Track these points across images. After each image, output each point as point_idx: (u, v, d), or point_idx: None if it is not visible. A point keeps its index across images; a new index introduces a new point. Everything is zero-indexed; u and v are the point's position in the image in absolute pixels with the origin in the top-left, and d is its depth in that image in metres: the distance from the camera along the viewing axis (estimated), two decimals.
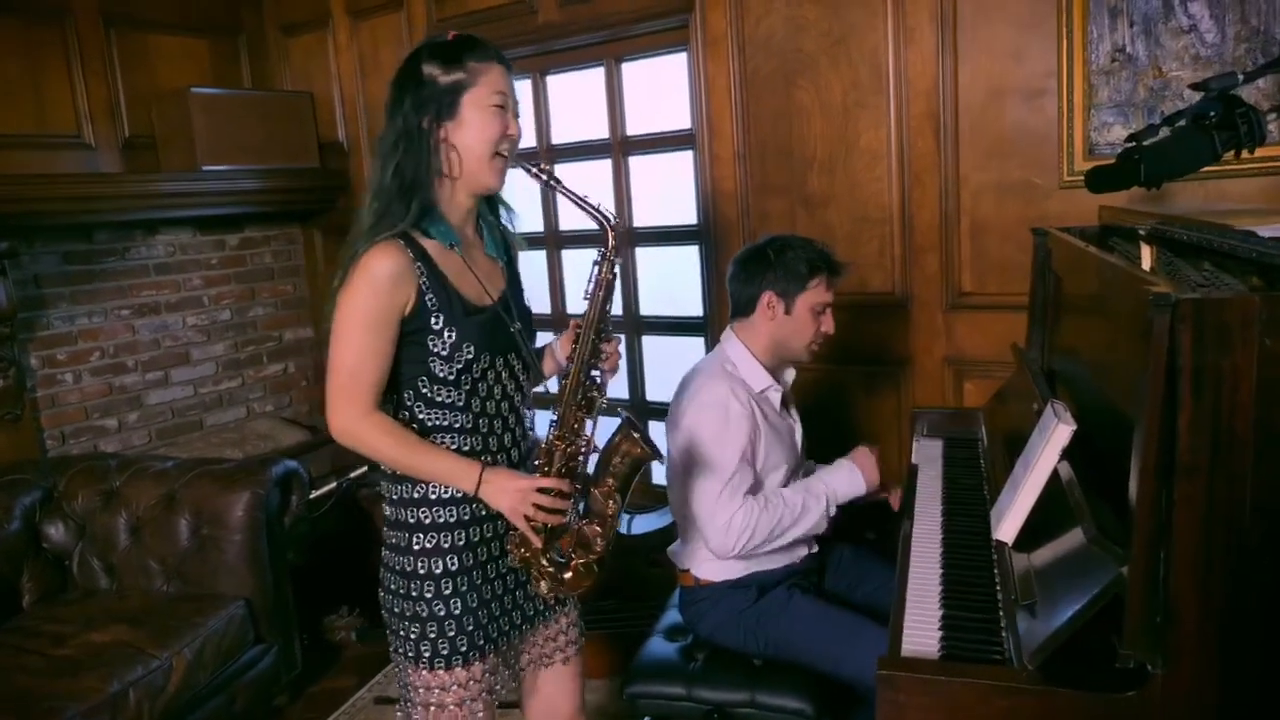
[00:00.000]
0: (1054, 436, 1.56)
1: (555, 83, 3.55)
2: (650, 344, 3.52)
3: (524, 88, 3.59)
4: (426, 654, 1.59)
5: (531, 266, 3.75)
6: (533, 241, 3.72)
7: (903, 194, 2.83)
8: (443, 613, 1.58)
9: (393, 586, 1.62)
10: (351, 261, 1.50)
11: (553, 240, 3.66)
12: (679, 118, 3.23)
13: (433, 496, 1.58)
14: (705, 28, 3.03)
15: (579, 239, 3.62)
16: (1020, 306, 2.52)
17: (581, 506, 1.64)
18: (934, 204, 2.79)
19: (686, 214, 3.30)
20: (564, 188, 1.60)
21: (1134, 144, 1.85)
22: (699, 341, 3.34)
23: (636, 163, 3.42)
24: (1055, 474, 1.57)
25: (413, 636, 1.59)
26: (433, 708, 1.59)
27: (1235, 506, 1.12)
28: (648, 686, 1.98)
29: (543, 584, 1.63)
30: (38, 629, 2.40)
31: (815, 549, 2.16)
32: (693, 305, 3.34)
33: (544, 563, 1.61)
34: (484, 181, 1.56)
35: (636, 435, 1.60)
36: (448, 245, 1.55)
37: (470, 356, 1.54)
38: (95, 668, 2.20)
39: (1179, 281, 1.34)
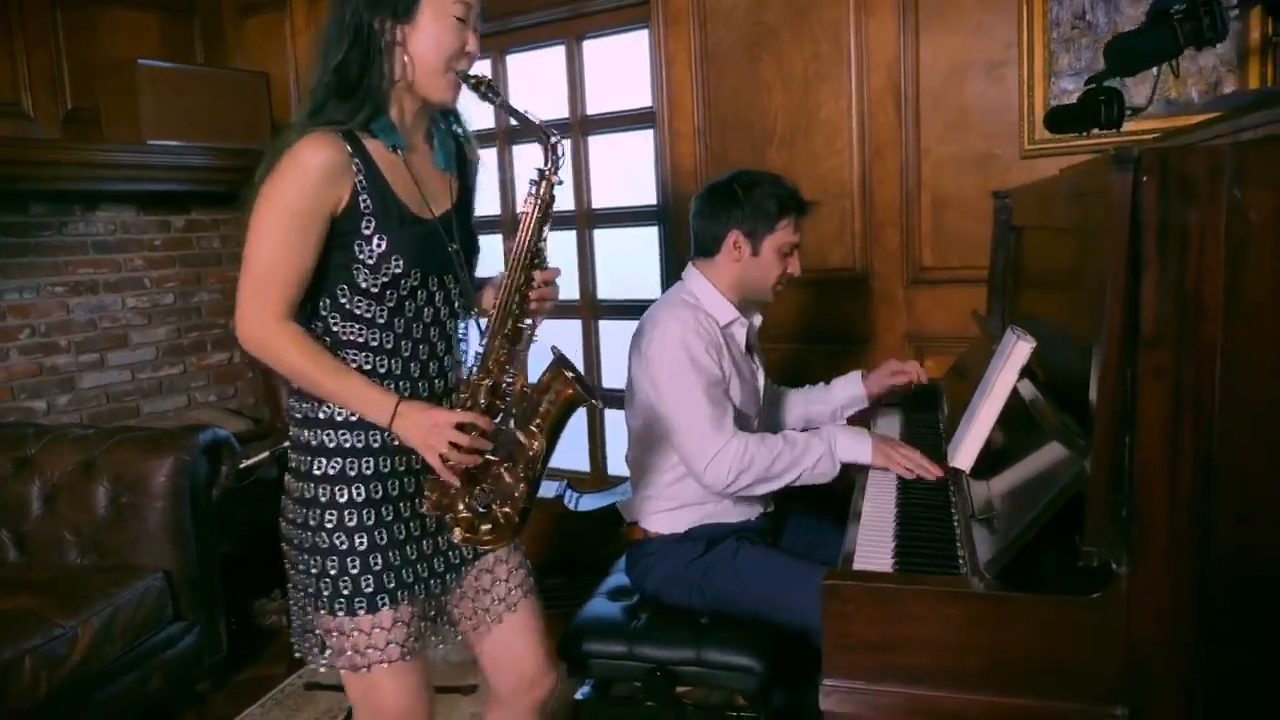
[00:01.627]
0: (1013, 354, 1.48)
1: (515, 62, 3.49)
2: (607, 329, 3.42)
3: (482, 69, 3.52)
4: (326, 593, 1.44)
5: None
6: (487, 225, 3.63)
7: (863, 168, 2.78)
8: (345, 547, 1.43)
9: (291, 515, 1.48)
10: (281, 151, 1.37)
11: (508, 224, 3.57)
12: (639, 98, 3.18)
13: (339, 418, 1.45)
14: (666, 2, 2.99)
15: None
16: (981, 281, 2.46)
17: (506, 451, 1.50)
18: (895, 178, 2.74)
19: (647, 196, 3.23)
20: (503, 100, 1.50)
21: (1094, 85, 1.81)
22: None
23: (596, 143, 3.36)
24: (1017, 396, 1.49)
25: (313, 572, 1.45)
26: (347, 653, 1.45)
27: (1204, 382, 1.04)
28: (587, 645, 1.85)
29: (456, 531, 1.48)
30: None
31: (771, 508, 2.05)
32: (651, 289, 3.25)
33: (460, 508, 1.47)
34: (435, 96, 1.44)
35: (570, 375, 1.47)
36: (390, 147, 1.42)
37: (399, 270, 1.41)
38: None
39: None
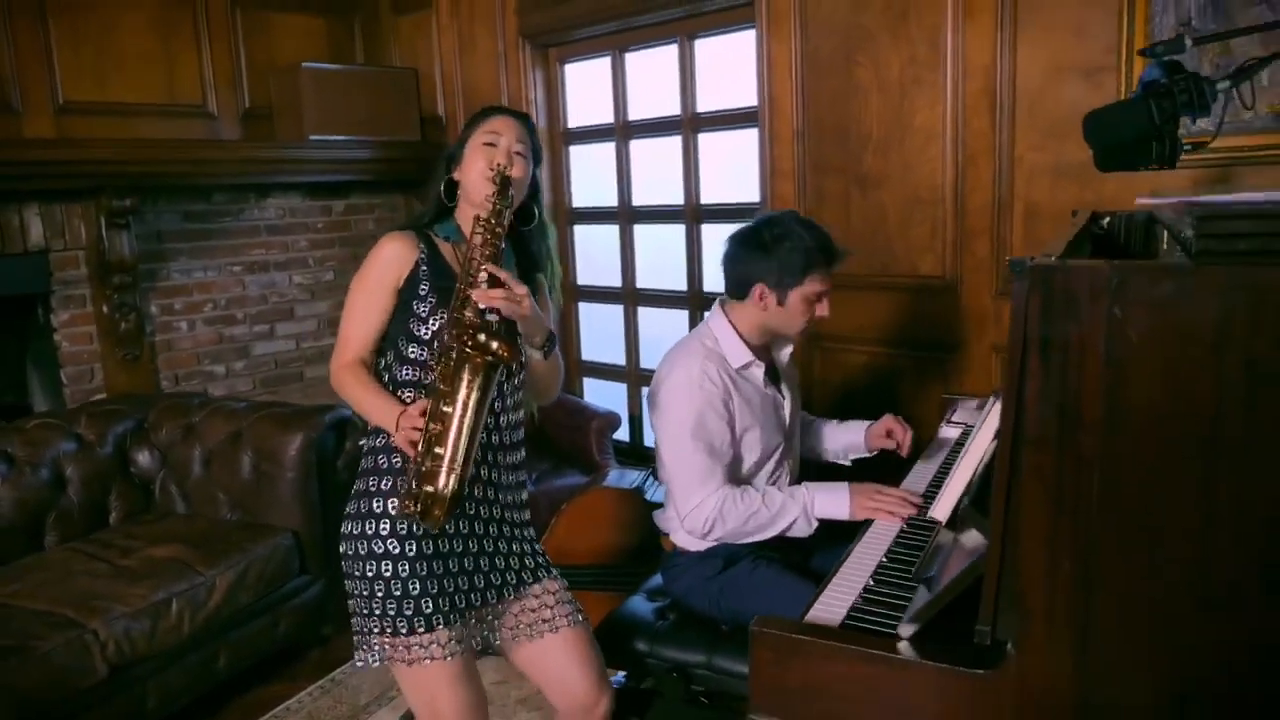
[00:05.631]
0: (991, 414, 1.51)
1: (633, 60, 3.61)
2: None
3: (603, 65, 3.67)
4: (379, 613, 1.65)
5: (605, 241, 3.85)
6: (605, 216, 3.81)
7: (956, 175, 2.73)
8: (405, 573, 1.64)
9: (344, 547, 1.73)
10: None
11: (625, 215, 3.73)
12: (748, 95, 3.23)
13: (383, 465, 1.70)
14: (770, 4, 3.01)
15: (652, 214, 3.68)
16: None
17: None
18: (988, 186, 2.68)
19: (752, 193, 3.29)
20: (501, 178, 1.65)
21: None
22: None
23: (706, 140, 3.44)
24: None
25: (364, 594, 1.67)
26: (400, 649, 1.66)
27: (1082, 488, 1.07)
28: (620, 638, 2.03)
29: (410, 506, 1.56)
30: (113, 541, 2.70)
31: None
32: None
33: (413, 485, 1.56)
34: (478, 198, 1.68)
35: (477, 348, 1.52)
36: (444, 238, 1.76)
37: (443, 321, 1.64)
38: (148, 578, 2.46)
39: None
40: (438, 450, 1.53)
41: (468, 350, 1.52)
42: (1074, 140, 2.51)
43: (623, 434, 3.73)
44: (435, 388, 1.56)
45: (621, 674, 2.11)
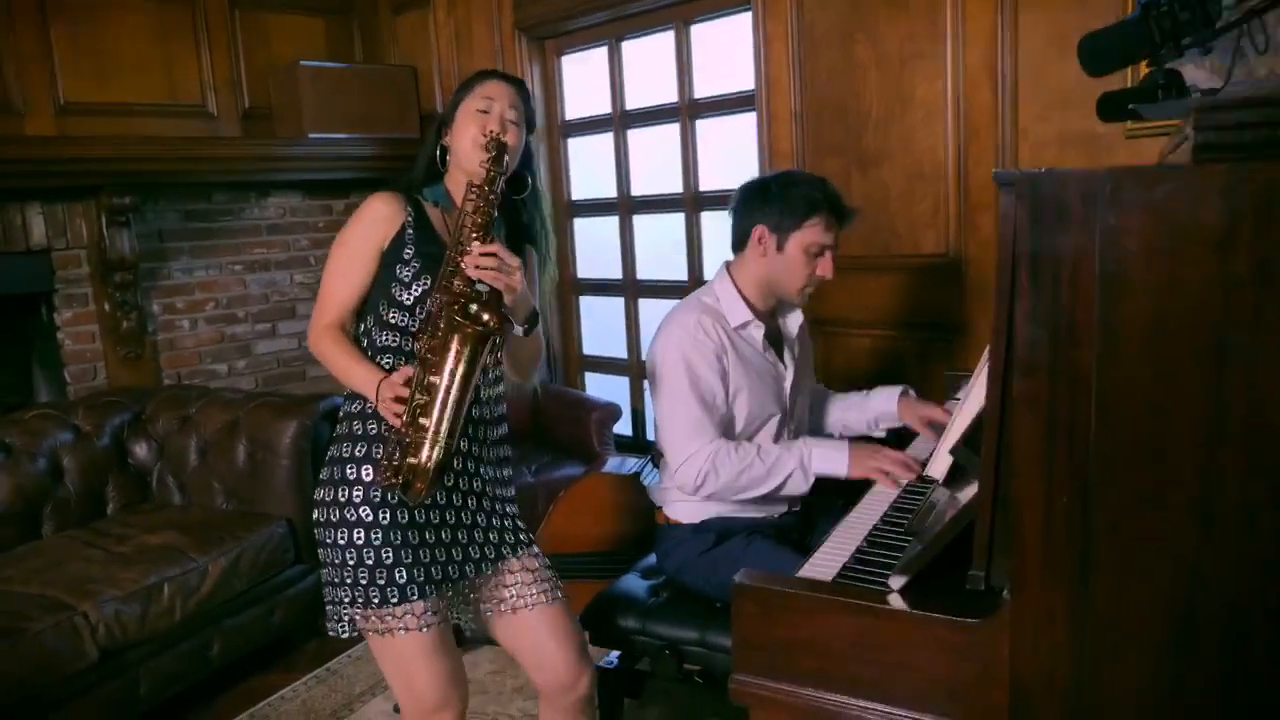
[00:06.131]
0: (984, 366, 1.45)
1: (629, 49, 3.59)
2: None
3: (600, 56, 3.65)
4: (350, 584, 1.61)
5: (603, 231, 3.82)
6: (604, 207, 3.78)
7: (959, 149, 2.68)
8: (377, 541, 1.59)
9: (317, 514, 1.67)
10: None
11: (625, 206, 3.70)
12: (745, 80, 3.19)
13: (358, 431, 1.64)
14: None
15: (651, 204, 3.64)
16: None
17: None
18: (991, 159, 2.62)
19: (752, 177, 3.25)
20: (495, 158, 1.58)
21: (1154, 67, 1.68)
22: None
23: (704, 126, 3.41)
24: None
25: (335, 563, 1.63)
26: (372, 619, 1.62)
27: (1079, 412, 1.01)
28: (609, 618, 1.97)
29: (391, 478, 1.53)
30: (109, 530, 2.68)
31: (798, 506, 2.07)
32: None
33: (394, 456, 1.52)
34: (470, 167, 1.64)
35: (465, 317, 1.48)
36: (434, 204, 1.71)
37: (426, 287, 1.61)
38: (140, 563, 2.43)
39: None
40: (422, 421, 1.48)
41: (457, 320, 1.48)
42: (1080, 109, 2.48)
43: (624, 427, 3.68)
44: (422, 356, 1.51)
45: (614, 654, 2.05)
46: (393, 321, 1.64)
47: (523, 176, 1.75)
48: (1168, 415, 0.99)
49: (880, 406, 2.21)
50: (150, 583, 2.37)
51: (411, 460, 1.49)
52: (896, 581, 1.22)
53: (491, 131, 1.61)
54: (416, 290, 1.63)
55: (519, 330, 1.67)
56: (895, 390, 2.22)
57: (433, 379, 1.49)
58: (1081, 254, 0.98)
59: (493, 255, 1.49)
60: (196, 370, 3.76)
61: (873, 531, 1.55)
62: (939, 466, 1.52)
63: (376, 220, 1.66)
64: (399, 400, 1.50)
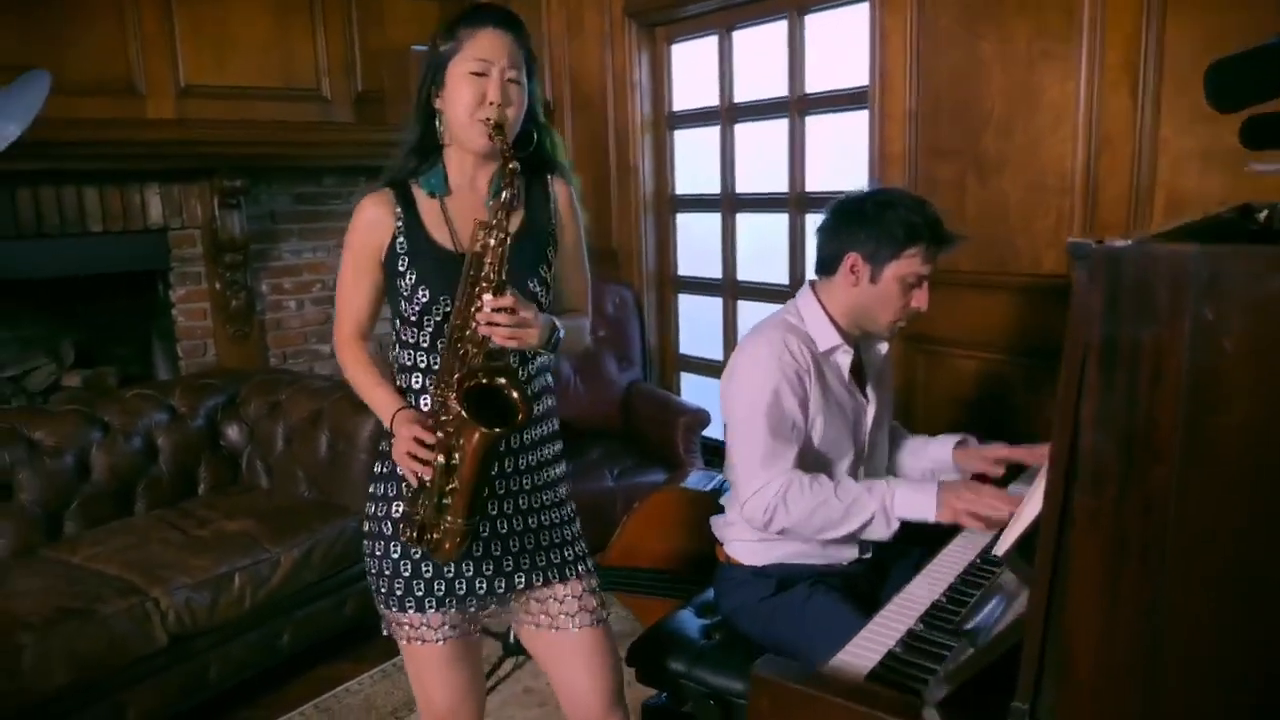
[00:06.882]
0: None
1: (740, 39, 3.41)
2: None
3: (709, 45, 3.49)
4: (374, 587, 1.62)
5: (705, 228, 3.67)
6: (707, 204, 3.63)
7: (1089, 160, 2.41)
8: (381, 553, 1.60)
9: (369, 509, 1.66)
10: None
11: (729, 203, 3.54)
12: (859, 76, 2.97)
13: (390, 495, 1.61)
14: None
15: (755, 202, 3.47)
16: None
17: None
18: (1125, 172, 2.35)
19: (860, 181, 3.04)
20: (503, 140, 1.46)
21: None
22: None
23: (813, 123, 3.21)
24: None
25: (372, 572, 1.62)
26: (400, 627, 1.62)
27: (1152, 538, 0.83)
28: (657, 656, 1.86)
29: (410, 533, 1.48)
30: (194, 512, 2.75)
31: (869, 554, 1.90)
32: None
33: (415, 527, 1.47)
34: (469, 145, 1.51)
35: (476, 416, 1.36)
36: (429, 193, 1.56)
37: (426, 299, 1.50)
38: (216, 550, 2.48)
39: None
40: (445, 502, 1.42)
41: (472, 419, 1.35)
42: (1232, 124, 2.15)
43: (715, 432, 3.54)
44: (443, 427, 1.42)
45: (663, 694, 1.95)
46: (406, 339, 1.56)
47: (528, 132, 1.55)
48: (1263, 553, 0.79)
49: (935, 454, 2.00)
50: (221, 572, 2.41)
51: (434, 535, 1.45)
52: (937, 691, 1.06)
53: (491, 114, 1.44)
54: (418, 303, 1.50)
55: (543, 356, 1.58)
56: (952, 438, 2.00)
57: (454, 461, 1.40)
58: (1165, 350, 0.79)
59: (507, 310, 1.39)
60: (301, 350, 3.85)
61: (932, 609, 1.37)
62: (1005, 543, 1.33)
63: (369, 226, 1.54)
64: (418, 460, 1.42)
